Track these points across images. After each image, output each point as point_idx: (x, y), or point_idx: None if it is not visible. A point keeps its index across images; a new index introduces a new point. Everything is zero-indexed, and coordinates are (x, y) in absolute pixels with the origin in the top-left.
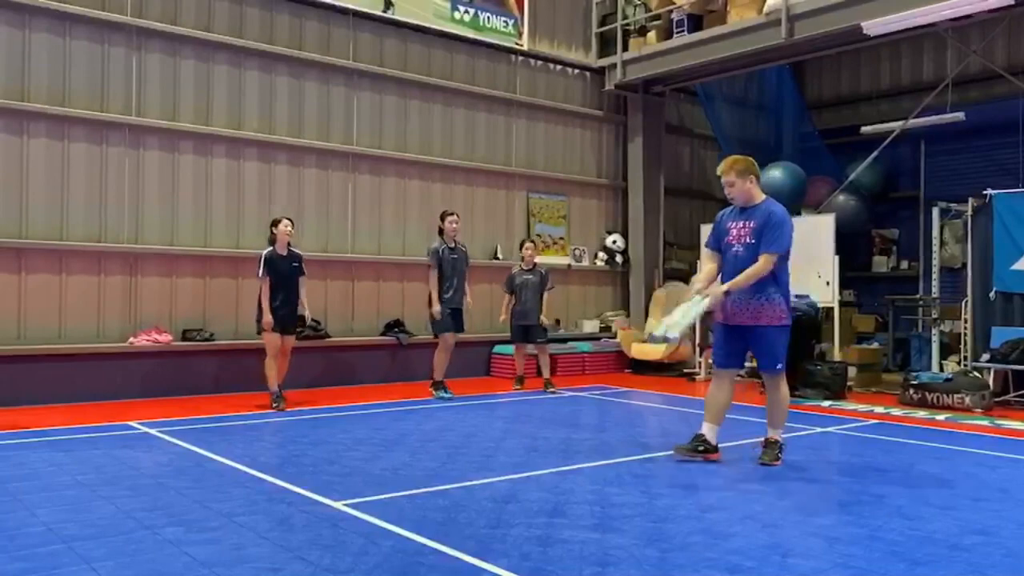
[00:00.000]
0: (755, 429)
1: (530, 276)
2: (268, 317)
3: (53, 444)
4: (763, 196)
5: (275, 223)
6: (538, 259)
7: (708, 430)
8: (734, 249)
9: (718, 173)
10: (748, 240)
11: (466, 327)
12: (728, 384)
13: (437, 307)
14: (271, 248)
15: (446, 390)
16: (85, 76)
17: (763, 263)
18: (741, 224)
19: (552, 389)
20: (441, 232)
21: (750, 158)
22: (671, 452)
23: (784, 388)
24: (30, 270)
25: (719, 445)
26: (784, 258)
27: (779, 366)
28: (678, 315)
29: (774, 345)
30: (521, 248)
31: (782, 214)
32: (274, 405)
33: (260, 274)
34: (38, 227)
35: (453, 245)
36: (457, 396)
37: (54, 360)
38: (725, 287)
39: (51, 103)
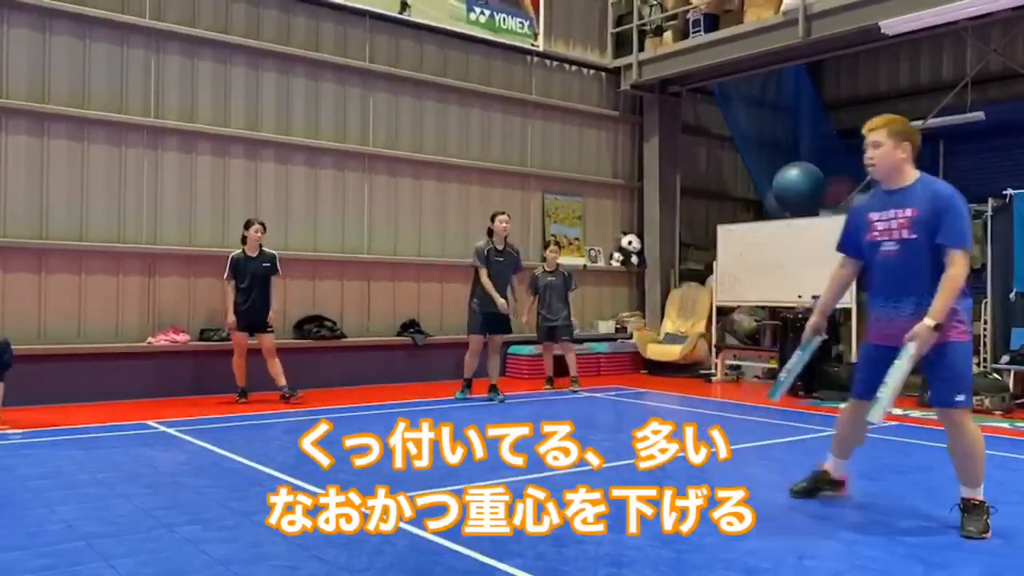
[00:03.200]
0: (770, 430)
1: (553, 278)
2: (231, 319)
3: (72, 442)
4: (917, 173)
5: (247, 225)
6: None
7: (833, 464)
8: (883, 249)
9: (864, 131)
10: (906, 235)
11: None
12: (862, 417)
13: (474, 302)
14: (240, 250)
15: (464, 390)
16: (105, 78)
17: (958, 267)
18: (892, 213)
19: (575, 388)
20: (490, 233)
21: (915, 128)
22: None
23: (972, 429)
24: (50, 270)
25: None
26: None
27: (961, 397)
28: (792, 361)
29: (955, 365)
30: (545, 249)
31: (951, 193)
32: (240, 400)
33: (225, 275)
34: (58, 228)
35: (502, 247)
36: (474, 396)
37: (73, 359)
38: (932, 321)
39: (71, 105)
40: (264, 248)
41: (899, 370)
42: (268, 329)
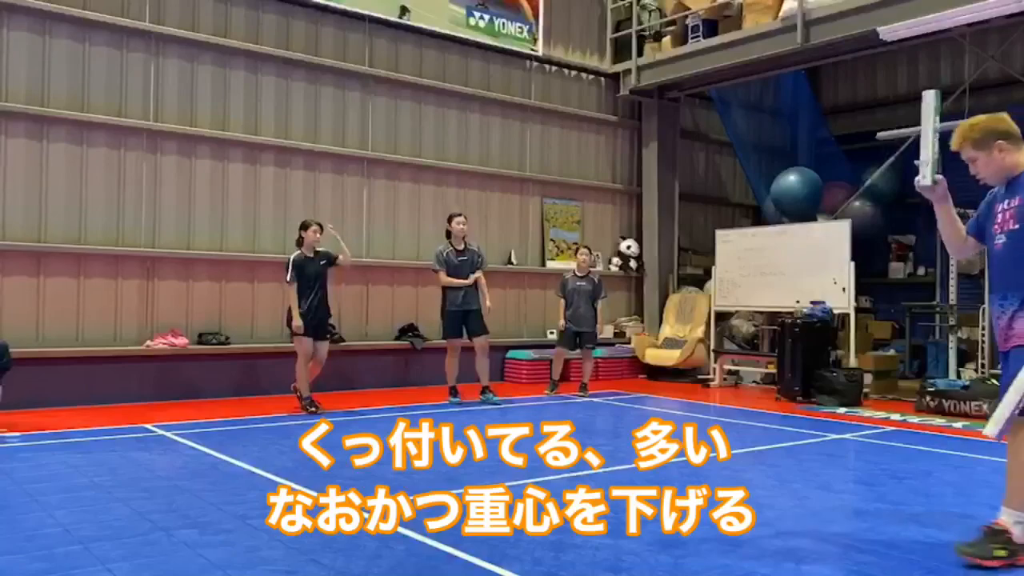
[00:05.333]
0: (768, 436)
1: (583, 283)
2: (298, 321)
3: (70, 446)
4: None
5: (304, 227)
6: (552, 264)
7: (1009, 517)
8: (995, 241)
9: (952, 149)
10: (1011, 226)
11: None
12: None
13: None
14: (299, 251)
15: (455, 394)
16: (104, 82)
17: None
18: (1004, 204)
19: (584, 393)
20: (449, 235)
21: (994, 117)
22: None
23: None
24: (49, 273)
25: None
26: None
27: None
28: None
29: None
30: (576, 254)
31: None
32: (311, 409)
33: (288, 278)
34: (57, 231)
35: (462, 247)
36: (472, 400)
37: (72, 362)
38: None
39: (71, 108)
40: (317, 248)
41: (1017, 381)
42: (330, 336)
